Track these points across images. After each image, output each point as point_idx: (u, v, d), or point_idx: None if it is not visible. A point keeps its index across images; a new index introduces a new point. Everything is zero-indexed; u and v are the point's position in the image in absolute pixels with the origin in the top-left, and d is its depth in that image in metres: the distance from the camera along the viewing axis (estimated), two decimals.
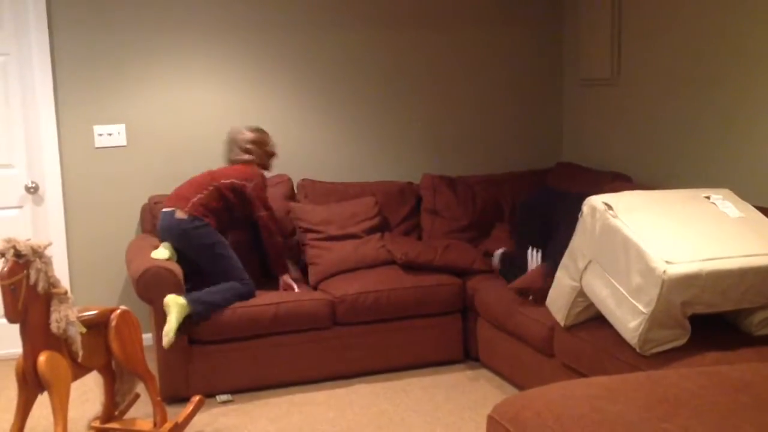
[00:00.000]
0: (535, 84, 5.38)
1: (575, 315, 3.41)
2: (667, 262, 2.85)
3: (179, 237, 4.07)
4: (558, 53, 5.40)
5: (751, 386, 2.51)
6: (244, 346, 4.03)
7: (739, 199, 3.31)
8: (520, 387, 3.92)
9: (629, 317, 3.01)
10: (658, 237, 2.96)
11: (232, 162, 4.38)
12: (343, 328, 4.19)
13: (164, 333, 3.79)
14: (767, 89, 3.80)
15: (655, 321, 2.93)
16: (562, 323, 3.47)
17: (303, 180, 4.86)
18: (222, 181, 4.19)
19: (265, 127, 4.83)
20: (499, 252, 4.41)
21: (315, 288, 4.34)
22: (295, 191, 4.84)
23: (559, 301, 3.43)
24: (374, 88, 5.09)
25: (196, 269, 4.13)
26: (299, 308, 4.10)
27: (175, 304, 3.81)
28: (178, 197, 4.15)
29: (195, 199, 4.11)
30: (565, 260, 3.34)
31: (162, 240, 4.13)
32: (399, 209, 4.92)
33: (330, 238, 4.51)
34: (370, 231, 4.63)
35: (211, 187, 4.16)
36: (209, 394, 3.97)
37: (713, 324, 3.18)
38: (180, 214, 4.07)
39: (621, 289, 3.03)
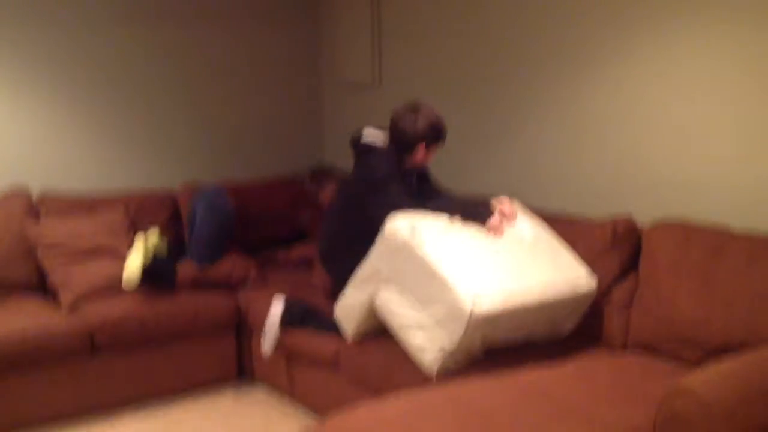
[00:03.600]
0: (293, 86, 5.24)
1: (364, 331, 3.31)
2: (474, 296, 2.78)
3: None
4: (316, 55, 5.31)
5: (550, 394, 2.57)
6: None
7: (524, 210, 3.38)
8: (303, 404, 3.76)
9: (427, 349, 2.92)
10: (463, 269, 2.88)
11: None
12: (104, 357, 3.76)
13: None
14: (535, 91, 3.95)
15: (454, 354, 2.90)
16: (349, 339, 3.36)
17: (43, 192, 4.32)
18: None
19: None
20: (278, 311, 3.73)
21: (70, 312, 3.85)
22: (35, 205, 4.28)
23: (349, 316, 3.31)
24: (126, 88, 4.65)
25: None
26: (51, 340, 3.60)
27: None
28: None
29: None
30: (361, 277, 3.21)
31: None
32: (156, 219, 4.53)
33: (79, 253, 4.04)
34: (127, 245, 4.21)
35: None
36: None
37: None
38: None
39: (421, 321, 2.94)
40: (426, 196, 3.54)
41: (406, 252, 2.98)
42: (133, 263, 3.86)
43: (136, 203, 4.48)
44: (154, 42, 4.72)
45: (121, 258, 4.09)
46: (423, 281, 2.92)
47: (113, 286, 4.02)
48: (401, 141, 3.44)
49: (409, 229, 3.00)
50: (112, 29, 4.56)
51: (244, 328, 4.12)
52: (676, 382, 2.16)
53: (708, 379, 2.18)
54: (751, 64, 3.03)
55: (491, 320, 2.83)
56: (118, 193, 4.51)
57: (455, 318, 2.80)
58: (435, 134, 3.45)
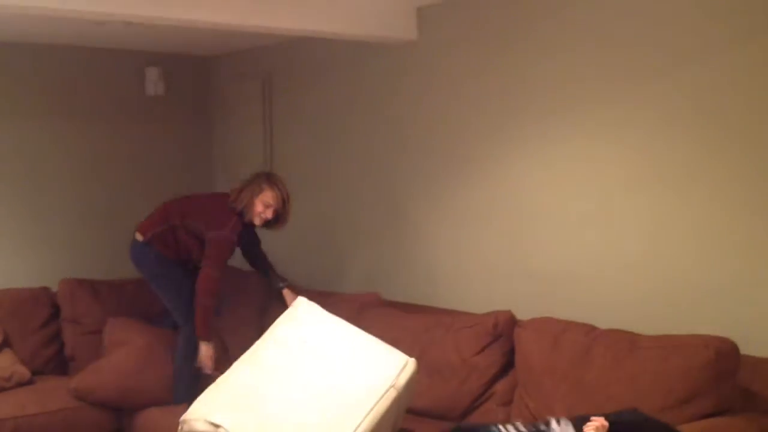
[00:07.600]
0: (184, 180, 5.18)
1: None
2: None
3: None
4: (209, 148, 5.34)
5: None
6: None
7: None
8: None
9: None
10: None
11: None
12: None
13: None
14: (415, 186, 4.01)
15: None
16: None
17: None
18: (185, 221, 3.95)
19: None
20: None
21: None
22: None
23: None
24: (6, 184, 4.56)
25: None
26: None
27: None
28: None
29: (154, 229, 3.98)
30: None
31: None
32: (32, 319, 4.40)
33: None
34: None
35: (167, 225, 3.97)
36: None
37: None
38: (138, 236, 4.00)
39: None
40: None
41: None
42: None
43: (9, 301, 4.33)
44: (44, 137, 4.67)
45: None
46: None
47: None
48: None
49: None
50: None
51: None
52: None
53: None
54: (627, 167, 3.16)
55: None
56: None
57: None
58: None
